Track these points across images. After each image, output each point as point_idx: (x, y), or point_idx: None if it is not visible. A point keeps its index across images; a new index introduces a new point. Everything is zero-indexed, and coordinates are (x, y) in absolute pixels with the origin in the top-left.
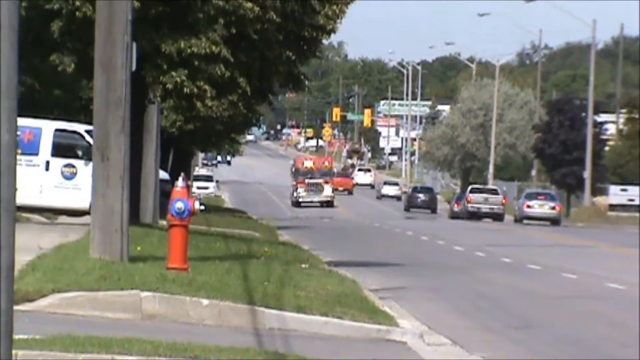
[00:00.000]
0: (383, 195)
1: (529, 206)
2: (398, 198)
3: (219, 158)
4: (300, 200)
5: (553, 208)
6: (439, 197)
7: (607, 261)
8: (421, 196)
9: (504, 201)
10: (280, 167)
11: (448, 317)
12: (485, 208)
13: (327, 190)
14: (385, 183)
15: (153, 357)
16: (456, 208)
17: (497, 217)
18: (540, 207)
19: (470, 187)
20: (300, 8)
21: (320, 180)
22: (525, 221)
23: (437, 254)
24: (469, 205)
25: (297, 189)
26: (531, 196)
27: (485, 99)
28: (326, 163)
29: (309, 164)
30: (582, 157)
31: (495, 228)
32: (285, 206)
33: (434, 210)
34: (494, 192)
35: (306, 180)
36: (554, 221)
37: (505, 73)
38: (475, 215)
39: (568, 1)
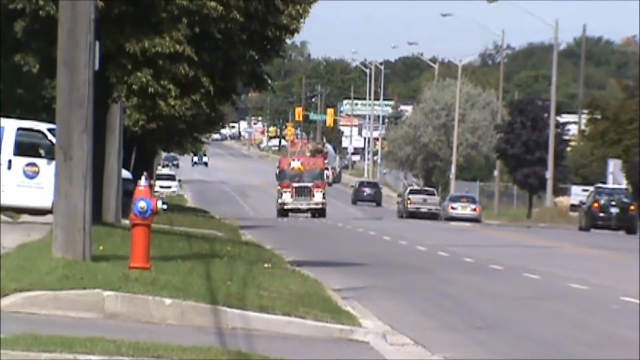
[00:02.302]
0: None
1: (453, 208)
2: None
3: (195, 159)
4: (285, 207)
5: (474, 210)
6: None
7: (570, 261)
8: (367, 190)
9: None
10: (243, 166)
11: (411, 317)
12: (424, 208)
13: (318, 197)
14: None
15: (116, 357)
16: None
17: (434, 216)
18: (462, 209)
19: (409, 189)
20: (263, 8)
21: (310, 184)
22: (450, 222)
23: (399, 254)
24: (409, 205)
25: (281, 194)
26: (455, 199)
27: (448, 99)
28: (317, 163)
29: (296, 164)
30: (544, 157)
31: (456, 228)
32: (248, 207)
33: (378, 204)
34: (432, 193)
35: (293, 184)
36: (474, 221)
37: (467, 73)
38: (415, 215)
39: (530, 1)
